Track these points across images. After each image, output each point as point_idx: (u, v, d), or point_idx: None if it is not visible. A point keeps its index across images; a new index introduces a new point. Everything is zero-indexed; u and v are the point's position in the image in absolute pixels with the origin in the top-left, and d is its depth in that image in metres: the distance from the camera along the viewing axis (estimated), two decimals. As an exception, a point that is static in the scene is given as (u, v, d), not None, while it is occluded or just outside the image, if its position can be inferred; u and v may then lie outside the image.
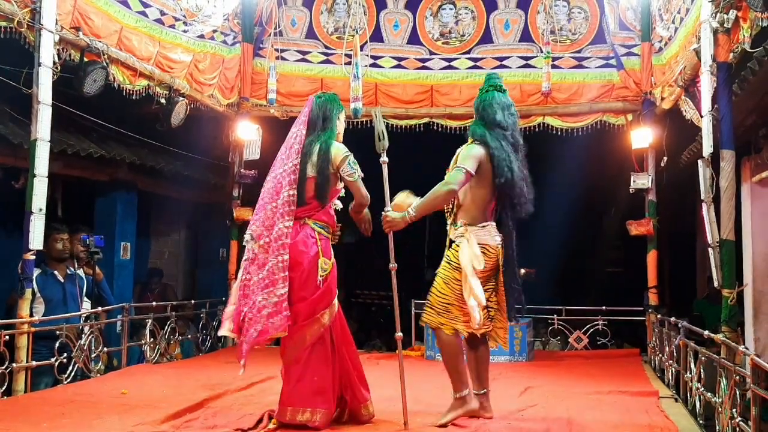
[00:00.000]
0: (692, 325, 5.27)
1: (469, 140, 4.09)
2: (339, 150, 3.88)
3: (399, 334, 4.02)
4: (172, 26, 6.57)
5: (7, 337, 4.55)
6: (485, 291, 3.95)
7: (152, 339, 6.24)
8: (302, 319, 3.76)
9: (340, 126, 4.11)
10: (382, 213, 3.93)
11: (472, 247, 3.90)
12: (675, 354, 5.34)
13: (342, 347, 3.90)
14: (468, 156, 3.95)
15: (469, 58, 7.87)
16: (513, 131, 4.08)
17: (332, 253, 3.95)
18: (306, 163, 3.87)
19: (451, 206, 4.08)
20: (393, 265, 3.96)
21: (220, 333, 4.06)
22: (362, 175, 3.91)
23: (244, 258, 3.92)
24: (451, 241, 4.04)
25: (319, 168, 3.85)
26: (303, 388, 3.73)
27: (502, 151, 3.95)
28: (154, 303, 6.76)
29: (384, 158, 4.02)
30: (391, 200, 4.01)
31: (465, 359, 4.07)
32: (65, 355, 5.01)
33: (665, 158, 7.26)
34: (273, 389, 3.95)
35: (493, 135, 3.99)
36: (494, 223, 4.03)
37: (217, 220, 8.60)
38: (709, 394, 4.15)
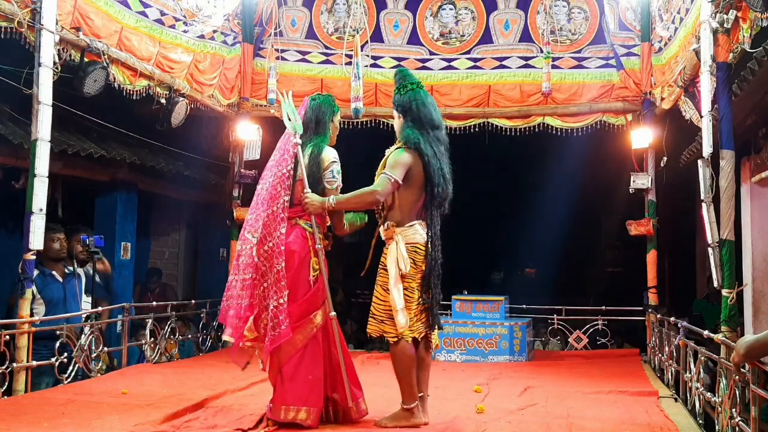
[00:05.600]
0: (692, 325, 5.27)
1: (399, 143, 3.97)
2: (329, 155, 3.98)
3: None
4: (172, 26, 6.57)
5: (8, 337, 4.55)
6: (423, 292, 3.88)
7: (152, 339, 6.24)
8: (294, 321, 3.80)
9: (335, 130, 4.15)
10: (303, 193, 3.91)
11: (399, 250, 3.84)
12: (675, 354, 5.35)
13: (332, 346, 3.92)
14: (397, 164, 3.87)
15: (469, 59, 7.87)
16: (442, 129, 4.03)
17: (323, 252, 3.97)
18: (296, 166, 3.95)
19: (380, 208, 3.99)
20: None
21: (224, 338, 4.04)
22: (341, 185, 3.96)
23: (240, 259, 3.94)
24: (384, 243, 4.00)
25: (309, 171, 3.93)
26: (296, 387, 3.78)
27: (436, 159, 3.88)
28: (154, 303, 6.76)
29: (297, 140, 3.96)
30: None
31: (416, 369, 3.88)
32: (65, 354, 5.01)
33: (665, 158, 7.26)
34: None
35: (427, 139, 3.91)
36: (422, 222, 3.93)
37: (218, 220, 8.60)
38: (708, 393, 4.15)
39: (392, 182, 3.85)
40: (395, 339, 3.84)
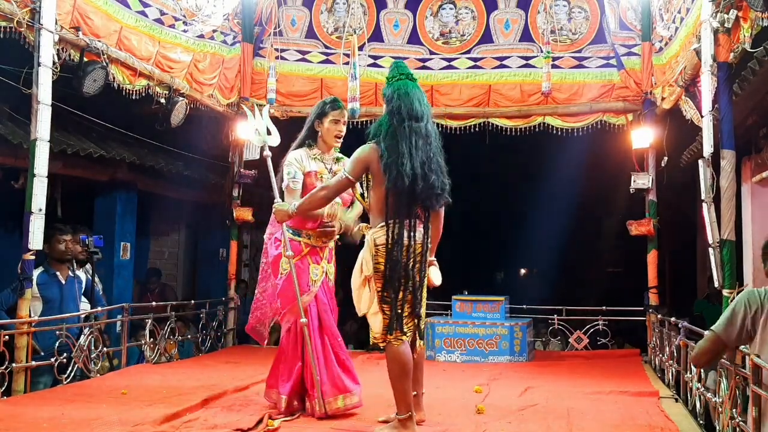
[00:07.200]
0: (693, 326, 5.26)
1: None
2: (284, 161, 4.19)
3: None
4: (171, 26, 6.56)
5: (7, 337, 4.54)
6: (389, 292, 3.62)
7: (152, 339, 6.23)
8: (274, 312, 4.29)
9: (325, 131, 4.24)
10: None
11: (364, 252, 3.65)
12: (675, 354, 5.33)
13: (319, 340, 4.15)
14: (353, 159, 3.68)
15: (470, 58, 7.86)
16: (427, 122, 3.69)
17: (301, 253, 4.18)
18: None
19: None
20: None
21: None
22: (289, 185, 4.12)
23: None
24: None
25: (279, 177, 4.22)
26: (272, 369, 4.28)
27: (394, 151, 3.55)
28: (153, 303, 6.74)
29: (267, 152, 4.27)
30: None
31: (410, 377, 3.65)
32: (65, 355, 5.00)
33: (665, 158, 7.25)
34: (273, 389, 4.06)
35: (395, 130, 3.60)
36: (391, 221, 3.58)
37: (217, 220, 8.59)
38: (709, 394, 4.14)
39: (343, 179, 3.68)
40: (383, 343, 3.66)
